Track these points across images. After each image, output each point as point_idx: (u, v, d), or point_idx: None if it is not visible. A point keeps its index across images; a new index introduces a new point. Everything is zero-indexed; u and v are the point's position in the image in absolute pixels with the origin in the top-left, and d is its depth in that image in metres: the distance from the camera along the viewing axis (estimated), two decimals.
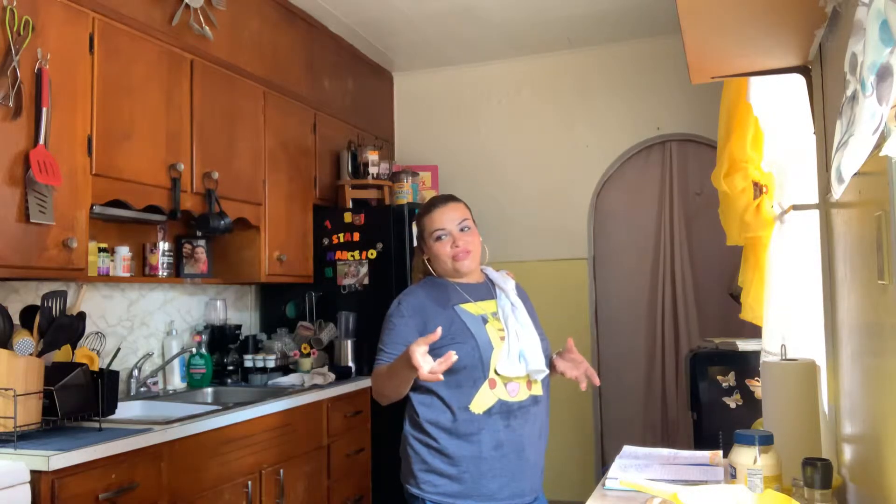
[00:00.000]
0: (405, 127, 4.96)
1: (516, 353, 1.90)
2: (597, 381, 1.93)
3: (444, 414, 1.90)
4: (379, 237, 3.84)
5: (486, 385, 1.89)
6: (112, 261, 2.88)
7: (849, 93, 0.97)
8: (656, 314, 4.47)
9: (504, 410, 1.89)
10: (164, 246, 3.16)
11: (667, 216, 4.47)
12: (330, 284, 3.88)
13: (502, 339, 1.92)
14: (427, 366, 1.68)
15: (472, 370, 1.88)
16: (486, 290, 2.04)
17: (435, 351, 1.90)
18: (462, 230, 2.01)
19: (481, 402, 1.88)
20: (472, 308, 1.96)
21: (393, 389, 1.89)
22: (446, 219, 2.01)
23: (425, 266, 2.08)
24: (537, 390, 1.96)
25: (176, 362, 3.25)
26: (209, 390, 3.32)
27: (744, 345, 3.14)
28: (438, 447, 1.90)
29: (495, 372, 1.89)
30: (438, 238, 2.00)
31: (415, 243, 3.78)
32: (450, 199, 2.07)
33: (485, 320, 1.94)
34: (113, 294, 3.05)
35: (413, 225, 3.81)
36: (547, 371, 1.95)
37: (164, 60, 2.87)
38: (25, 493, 1.88)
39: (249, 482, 2.73)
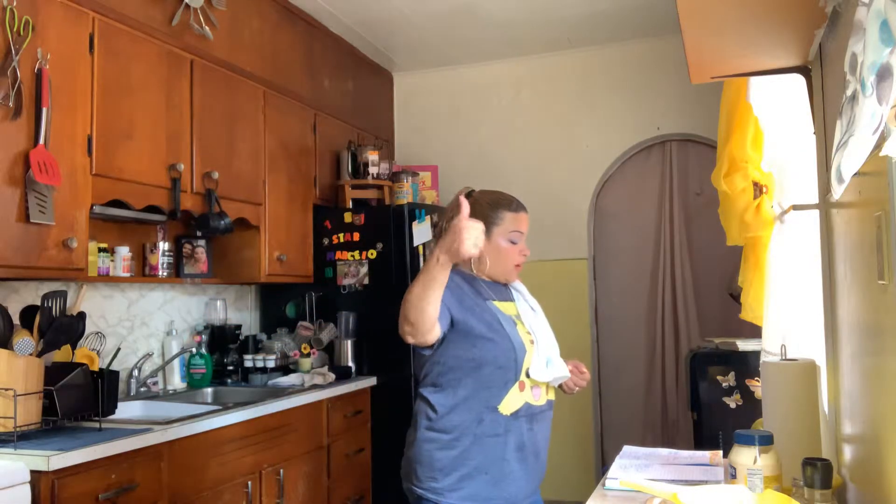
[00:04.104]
0: (405, 127, 4.96)
1: (545, 359, 1.90)
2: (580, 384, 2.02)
3: (468, 414, 1.84)
4: (379, 237, 3.84)
5: (515, 387, 1.86)
6: (112, 261, 2.88)
7: (849, 93, 0.97)
8: (656, 314, 4.47)
9: (529, 414, 1.88)
10: (164, 246, 3.16)
11: (667, 216, 4.47)
12: (330, 284, 3.88)
13: (531, 342, 1.90)
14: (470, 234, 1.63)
15: (505, 371, 1.85)
16: (507, 291, 2.03)
17: (475, 343, 1.86)
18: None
19: (510, 403, 1.86)
20: (503, 307, 1.94)
21: (421, 298, 1.70)
22: (526, 226, 2.01)
23: None
24: (552, 395, 1.98)
25: (176, 362, 3.25)
26: (209, 390, 3.32)
27: (744, 345, 3.14)
28: (460, 448, 1.84)
29: (526, 375, 1.87)
30: (514, 241, 1.98)
31: (423, 239, 3.79)
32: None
33: (514, 321, 1.93)
34: (113, 294, 3.05)
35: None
36: (569, 376, 1.97)
37: (163, 60, 2.87)
38: (25, 493, 1.88)
39: (249, 482, 2.73)
